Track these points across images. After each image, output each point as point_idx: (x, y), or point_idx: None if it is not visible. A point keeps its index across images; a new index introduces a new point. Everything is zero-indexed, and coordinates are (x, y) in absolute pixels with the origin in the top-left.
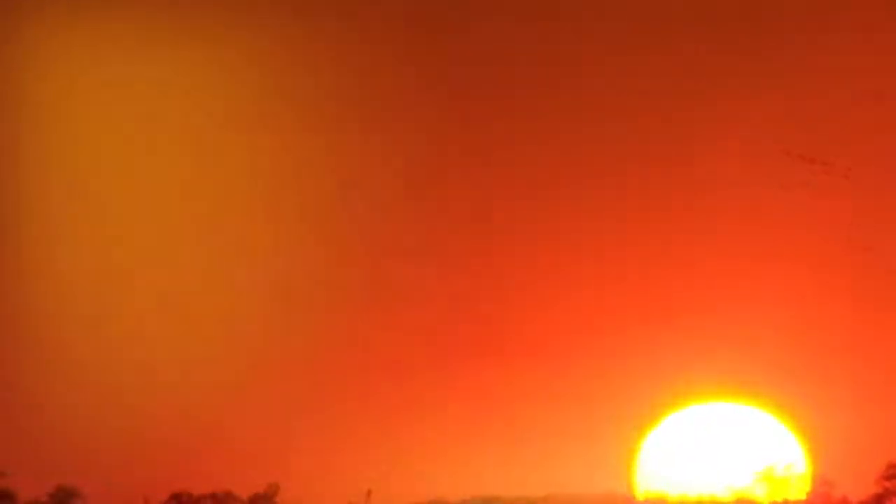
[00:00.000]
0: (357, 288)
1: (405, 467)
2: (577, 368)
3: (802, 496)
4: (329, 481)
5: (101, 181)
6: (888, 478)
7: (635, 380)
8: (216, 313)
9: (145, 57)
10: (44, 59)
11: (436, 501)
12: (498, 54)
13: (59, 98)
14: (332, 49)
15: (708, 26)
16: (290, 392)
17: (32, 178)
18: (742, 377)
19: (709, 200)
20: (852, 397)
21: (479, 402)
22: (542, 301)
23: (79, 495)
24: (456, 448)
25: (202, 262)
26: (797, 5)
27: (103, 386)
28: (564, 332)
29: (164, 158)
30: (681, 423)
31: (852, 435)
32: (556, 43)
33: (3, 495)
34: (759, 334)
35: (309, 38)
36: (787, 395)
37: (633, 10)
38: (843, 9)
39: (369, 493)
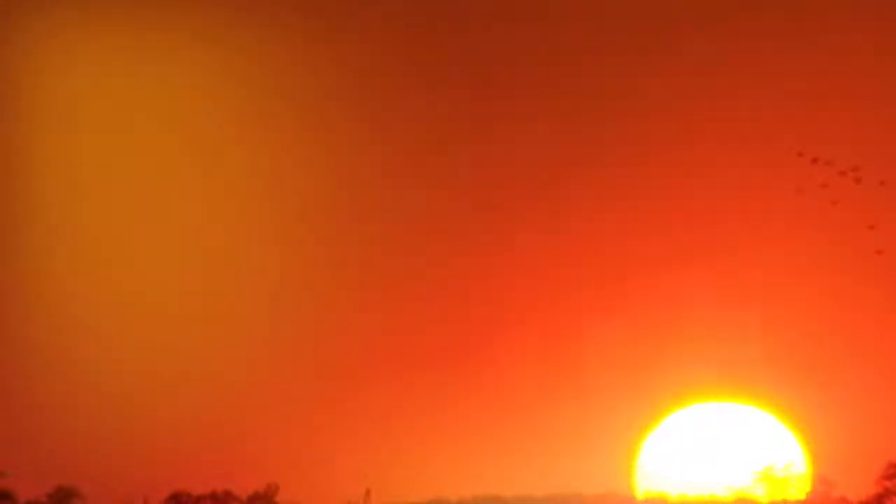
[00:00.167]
0: (357, 289)
1: (405, 467)
2: (578, 369)
3: (802, 496)
4: (329, 481)
5: (102, 182)
6: (888, 477)
7: (635, 380)
8: (216, 314)
9: (145, 58)
10: (44, 60)
11: (436, 501)
12: (497, 54)
13: (59, 99)
14: (330, 50)
15: (720, 26)
16: (290, 392)
17: (32, 179)
18: (742, 377)
19: (714, 201)
20: (852, 397)
21: (480, 402)
22: (543, 302)
23: (78, 495)
24: (456, 448)
25: (202, 263)
26: (813, 7)
27: (103, 386)
28: (565, 332)
29: (164, 159)
30: (681, 423)
31: (852, 435)
32: (558, 43)
33: (3, 495)
34: (760, 335)
35: (308, 38)
36: (787, 395)
37: (646, 10)
38: (860, 9)
39: (368, 492)
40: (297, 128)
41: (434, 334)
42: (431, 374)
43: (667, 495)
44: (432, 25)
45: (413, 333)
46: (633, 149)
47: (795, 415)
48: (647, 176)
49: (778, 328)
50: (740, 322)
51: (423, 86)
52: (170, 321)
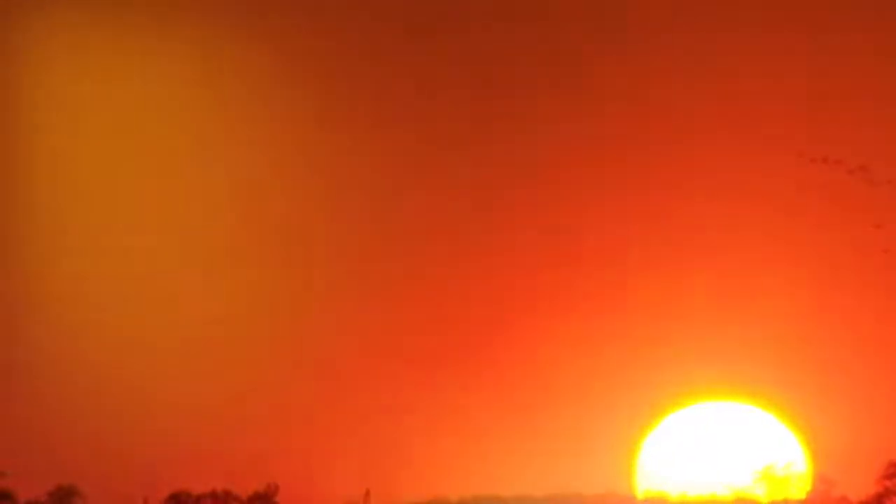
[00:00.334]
0: (357, 289)
1: (405, 467)
2: (578, 369)
3: (802, 495)
4: (329, 481)
5: (102, 183)
6: (888, 477)
7: (635, 380)
8: (216, 314)
9: (145, 58)
10: (43, 60)
11: (436, 501)
12: (497, 54)
13: (59, 99)
14: (331, 50)
15: (724, 24)
16: (290, 392)
17: (32, 180)
18: (742, 377)
19: (715, 201)
20: (852, 397)
21: (480, 402)
22: (543, 302)
23: (78, 495)
24: (456, 448)
25: (202, 263)
26: (815, 6)
27: (103, 386)
28: (565, 332)
29: (165, 159)
30: (681, 423)
31: (852, 434)
32: (559, 43)
33: (3, 495)
34: (760, 334)
35: (307, 39)
36: (787, 395)
37: (647, 10)
38: (869, 8)
39: (368, 492)
40: (297, 128)
41: (434, 334)
42: (431, 374)
43: (667, 495)
44: (433, 25)
45: (413, 333)
46: (636, 149)
47: (795, 415)
48: (648, 176)
49: (778, 328)
50: (740, 322)
51: (423, 86)
52: (170, 321)
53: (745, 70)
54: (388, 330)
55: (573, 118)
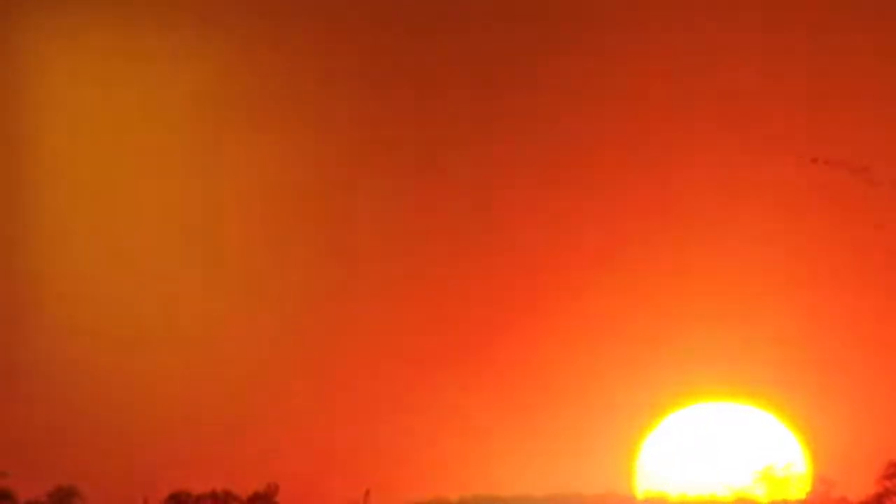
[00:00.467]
0: (357, 289)
1: (405, 467)
2: (578, 369)
3: (802, 496)
4: (329, 481)
5: (101, 183)
6: (888, 477)
7: (635, 380)
8: (216, 314)
9: (144, 59)
10: (43, 62)
11: (436, 501)
12: (496, 54)
13: (59, 101)
14: (329, 51)
15: (724, 25)
16: (290, 392)
17: (31, 179)
18: (742, 377)
19: (715, 200)
20: (852, 397)
21: (480, 402)
22: (543, 302)
23: (78, 495)
24: (456, 447)
25: (202, 264)
26: (824, 5)
27: (103, 387)
28: (565, 333)
29: (165, 160)
30: (681, 423)
31: (852, 435)
32: (561, 42)
33: (3, 495)
34: (760, 334)
35: (307, 39)
36: (787, 395)
37: (649, 10)
38: (871, 8)
39: (368, 492)
40: (297, 128)
41: (434, 334)
42: (431, 374)
43: (667, 495)
44: (434, 25)
45: (413, 333)
46: (636, 149)
47: (795, 415)
48: (648, 176)
49: (778, 328)
50: (740, 322)
51: (424, 86)
52: (170, 322)
53: (745, 70)
54: (388, 330)
55: (574, 118)
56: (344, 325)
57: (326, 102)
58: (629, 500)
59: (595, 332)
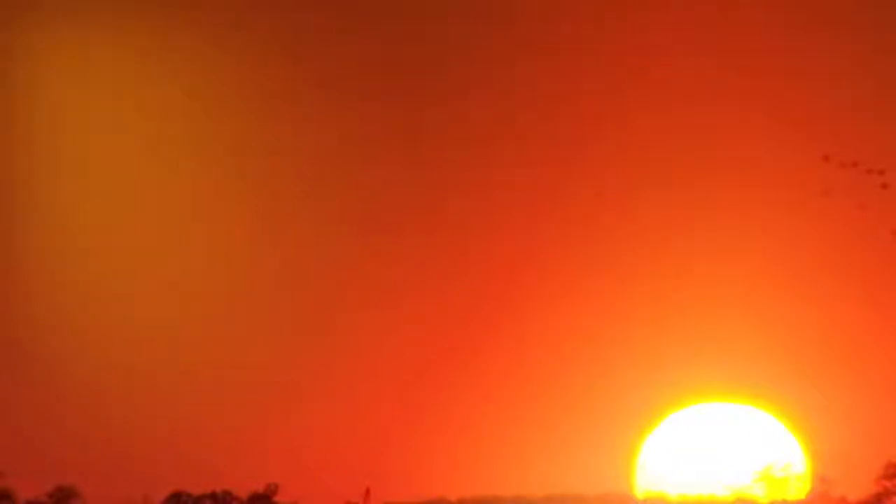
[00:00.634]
0: (357, 290)
1: (405, 467)
2: (578, 369)
3: (802, 495)
4: (329, 481)
5: (102, 183)
6: (887, 477)
7: (635, 380)
8: (216, 315)
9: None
10: (44, 63)
11: (436, 501)
12: (497, 54)
13: (59, 102)
14: (328, 51)
15: (738, 26)
16: (290, 392)
17: (32, 180)
18: (742, 377)
19: (716, 200)
20: (852, 398)
21: (480, 402)
22: (544, 303)
23: (78, 495)
24: (456, 448)
25: (202, 264)
26: (840, 9)
27: (103, 387)
28: (565, 333)
29: (163, 160)
30: (681, 423)
31: (852, 435)
32: (563, 41)
33: (3, 495)
34: (760, 335)
35: (306, 39)
36: (787, 395)
37: (674, 11)
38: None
39: (368, 492)
40: (297, 128)
41: (434, 335)
42: (432, 375)
43: (667, 495)
44: (430, 26)
45: (413, 334)
46: (638, 151)
47: (795, 415)
48: (649, 177)
49: (778, 328)
50: (740, 322)
51: (424, 86)
52: (170, 322)
53: (768, 72)
54: (388, 331)
55: (576, 118)
56: (344, 327)
57: (327, 104)
58: (629, 500)
59: (595, 333)
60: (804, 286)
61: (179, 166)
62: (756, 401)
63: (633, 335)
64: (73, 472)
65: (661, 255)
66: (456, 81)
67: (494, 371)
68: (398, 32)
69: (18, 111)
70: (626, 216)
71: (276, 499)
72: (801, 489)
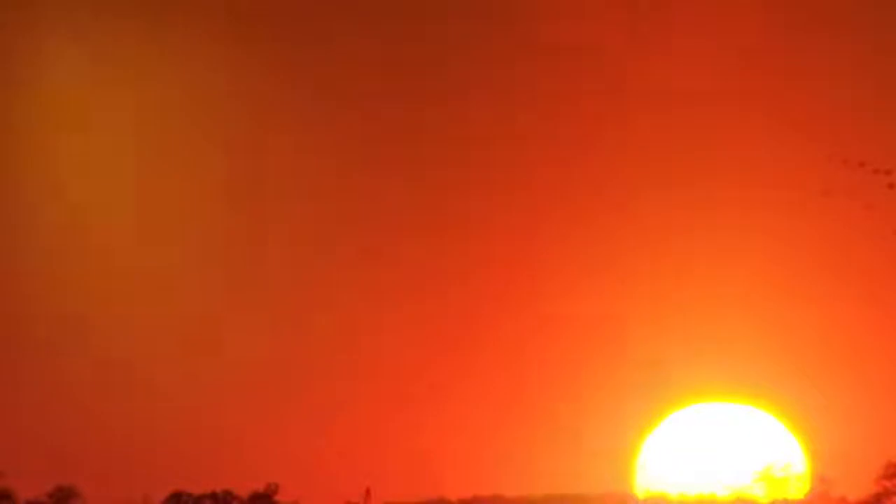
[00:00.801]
0: (357, 290)
1: (405, 467)
2: (578, 369)
3: (801, 495)
4: (329, 481)
5: (102, 184)
6: (887, 477)
7: (635, 380)
8: (216, 315)
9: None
10: (43, 63)
11: (436, 501)
12: (498, 54)
13: (59, 102)
14: (327, 52)
15: (748, 23)
16: (290, 392)
17: (32, 182)
18: (742, 377)
19: (716, 200)
20: (852, 398)
21: (480, 402)
22: (544, 303)
23: (78, 495)
24: (456, 447)
25: (201, 264)
26: (847, 7)
27: (103, 387)
28: (565, 333)
29: (163, 161)
30: (681, 422)
31: (852, 435)
32: (565, 41)
33: (3, 495)
34: (760, 335)
35: (306, 41)
36: (787, 395)
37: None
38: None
39: (368, 492)
40: (297, 128)
41: (434, 335)
42: (431, 375)
43: (667, 495)
44: (427, 27)
45: (413, 334)
46: (638, 151)
47: (795, 415)
48: (657, 176)
49: (778, 328)
50: (740, 322)
51: (424, 86)
52: (170, 322)
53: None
54: (388, 331)
55: (576, 118)
56: (344, 327)
57: (327, 104)
58: (629, 500)
59: (596, 333)
60: (804, 286)
61: (179, 166)
62: (756, 401)
63: (633, 335)
64: (73, 472)
65: (661, 255)
66: (456, 81)
67: (494, 371)
68: (398, 32)
69: (18, 111)
70: (626, 216)
71: (276, 498)
72: (801, 489)
